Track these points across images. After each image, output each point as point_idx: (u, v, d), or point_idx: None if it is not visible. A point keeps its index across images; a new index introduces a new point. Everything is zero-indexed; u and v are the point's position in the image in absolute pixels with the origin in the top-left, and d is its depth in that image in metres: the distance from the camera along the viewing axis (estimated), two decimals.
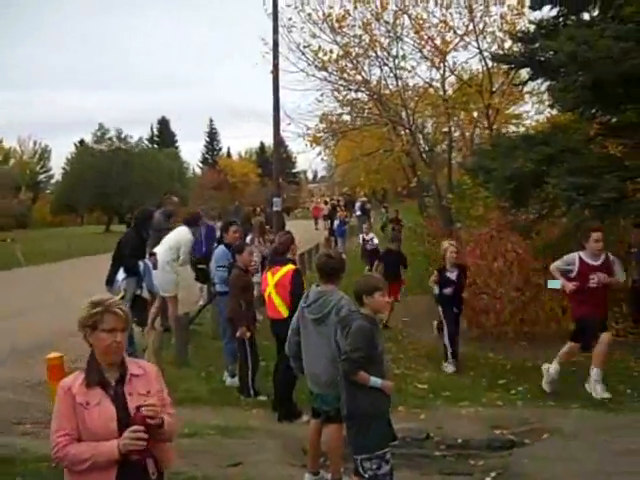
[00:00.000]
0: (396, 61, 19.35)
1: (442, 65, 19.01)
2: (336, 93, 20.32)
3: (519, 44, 13.31)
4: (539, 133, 13.19)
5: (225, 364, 10.13)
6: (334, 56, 19.15)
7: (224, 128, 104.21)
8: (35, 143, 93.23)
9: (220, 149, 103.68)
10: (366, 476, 5.43)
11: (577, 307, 9.27)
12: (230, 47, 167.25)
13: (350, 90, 20.34)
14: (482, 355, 11.50)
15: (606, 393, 8.68)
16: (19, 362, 10.86)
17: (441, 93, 19.50)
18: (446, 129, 20.82)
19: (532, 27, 13.16)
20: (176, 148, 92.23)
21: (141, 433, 3.44)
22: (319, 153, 21.79)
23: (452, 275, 11.05)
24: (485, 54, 17.91)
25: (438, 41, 18.64)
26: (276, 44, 19.05)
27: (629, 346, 11.26)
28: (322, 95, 20.06)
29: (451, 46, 18.68)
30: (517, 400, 9.09)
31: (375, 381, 5.47)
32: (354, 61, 19.43)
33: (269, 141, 54.39)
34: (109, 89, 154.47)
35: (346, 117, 21.93)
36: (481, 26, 18.06)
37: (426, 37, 18.59)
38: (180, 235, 12.38)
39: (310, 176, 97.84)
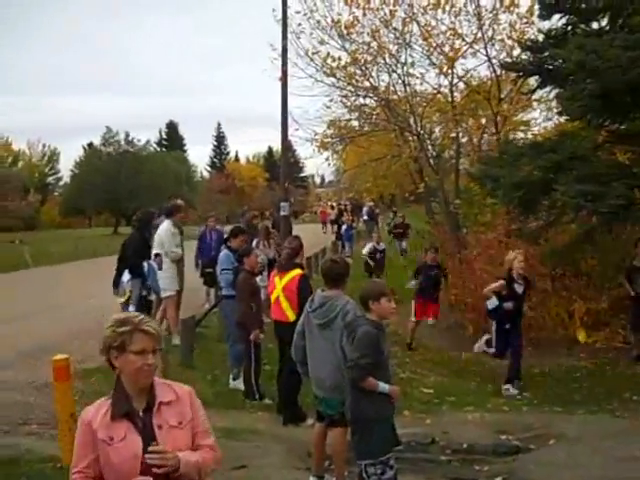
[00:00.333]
0: (404, 68, 19.37)
1: (450, 72, 19.01)
2: (344, 99, 20.35)
3: (528, 53, 13.31)
4: (547, 140, 13.19)
5: (230, 367, 10.15)
6: (343, 62, 19.19)
7: (232, 132, 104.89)
8: (44, 146, 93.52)
9: (228, 153, 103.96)
10: None
11: None
12: (239, 52, 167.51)
13: (358, 96, 20.35)
14: (488, 360, 11.49)
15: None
16: (25, 363, 10.88)
17: (449, 100, 19.49)
18: (454, 135, 20.79)
19: (541, 36, 13.15)
20: (184, 152, 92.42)
21: None
22: (327, 158, 21.79)
23: (519, 287, 10.09)
24: (494, 61, 17.93)
25: (447, 48, 18.65)
26: (285, 50, 19.07)
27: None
28: (331, 101, 20.09)
29: (460, 53, 18.67)
30: (523, 406, 9.10)
31: (383, 387, 5.49)
32: (363, 67, 19.43)
33: (277, 146, 54.50)
34: (118, 93, 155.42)
35: (354, 123, 21.97)
36: (490, 34, 18.05)
37: (434, 44, 18.60)
38: (161, 230, 12.22)
39: (318, 181, 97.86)
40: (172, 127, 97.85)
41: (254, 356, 9.22)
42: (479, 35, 18.11)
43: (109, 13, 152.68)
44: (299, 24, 19.13)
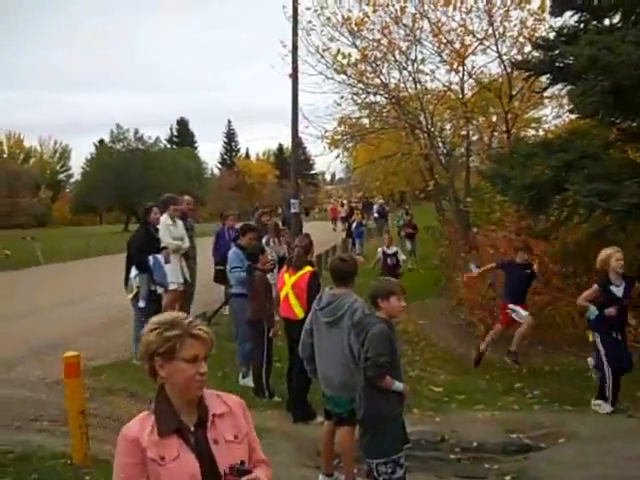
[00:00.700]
0: (415, 65, 19.34)
1: (461, 69, 18.96)
2: (355, 96, 20.33)
3: (539, 50, 13.24)
4: (557, 139, 13.12)
5: (238, 365, 10.16)
6: (353, 59, 19.16)
7: (242, 129, 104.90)
8: (55, 142, 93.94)
9: (238, 150, 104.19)
10: (380, 479, 5.44)
11: None
12: (249, 49, 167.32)
13: (369, 93, 20.32)
14: (498, 359, 11.46)
15: None
16: (36, 360, 10.92)
17: (460, 97, 19.43)
18: (464, 132, 20.73)
19: (552, 34, 13.07)
20: (195, 149, 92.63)
21: None
22: (337, 155, 21.79)
23: (618, 290, 8.56)
24: (504, 58, 17.87)
25: (457, 45, 18.60)
26: (295, 47, 19.09)
27: None
28: (341, 98, 20.07)
29: (470, 50, 18.62)
30: (533, 404, 9.07)
31: (397, 385, 5.51)
32: (373, 64, 19.41)
33: (287, 143, 54.60)
34: (129, 90, 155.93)
35: (365, 120, 21.95)
36: (501, 30, 18.00)
37: (445, 40, 18.55)
38: (160, 223, 12.18)
39: (328, 178, 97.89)
40: (183, 124, 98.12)
41: (267, 354, 9.23)
42: (490, 32, 18.07)
43: (121, 10, 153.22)
44: (309, 21, 19.14)
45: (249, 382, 9.66)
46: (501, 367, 11.12)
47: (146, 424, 2.80)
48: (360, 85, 19.92)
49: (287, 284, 8.44)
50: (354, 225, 30.42)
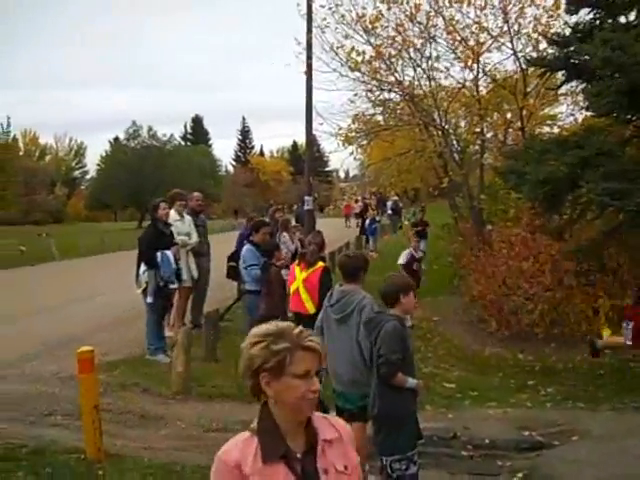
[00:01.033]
0: (429, 62, 19.27)
1: (475, 66, 18.89)
2: (369, 93, 20.28)
3: (554, 47, 13.17)
4: (572, 135, 13.05)
5: None
6: (367, 57, 19.13)
7: (257, 126, 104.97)
8: (71, 140, 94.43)
9: (253, 147, 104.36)
10: (394, 476, 5.43)
11: None
12: (264, 46, 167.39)
13: (383, 90, 20.27)
14: (511, 356, 11.44)
15: None
16: (51, 355, 11.00)
17: (474, 94, 19.36)
18: (478, 129, 20.65)
19: (568, 30, 13.01)
20: (209, 146, 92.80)
21: None
22: (351, 152, 21.74)
23: None
24: (519, 55, 17.79)
25: (472, 42, 18.53)
26: (309, 44, 19.09)
27: None
28: (355, 95, 20.03)
29: (485, 47, 18.55)
30: (546, 402, 9.04)
31: (411, 382, 5.49)
32: (387, 62, 19.36)
33: (301, 140, 54.50)
34: (145, 88, 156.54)
35: (379, 117, 21.90)
36: (516, 27, 17.91)
37: (459, 38, 18.49)
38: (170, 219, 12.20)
39: (342, 175, 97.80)
40: (197, 121, 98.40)
41: None
42: (505, 29, 17.99)
43: (137, 9, 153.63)
44: (324, 18, 19.08)
45: None
46: (514, 364, 11.10)
47: (248, 448, 2.47)
48: (374, 82, 19.86)
49: (298, 278, 8.48)
50: (367, 221, 30.41)
